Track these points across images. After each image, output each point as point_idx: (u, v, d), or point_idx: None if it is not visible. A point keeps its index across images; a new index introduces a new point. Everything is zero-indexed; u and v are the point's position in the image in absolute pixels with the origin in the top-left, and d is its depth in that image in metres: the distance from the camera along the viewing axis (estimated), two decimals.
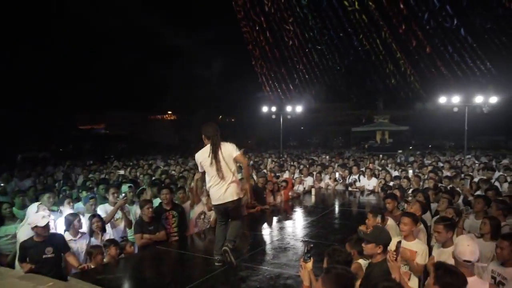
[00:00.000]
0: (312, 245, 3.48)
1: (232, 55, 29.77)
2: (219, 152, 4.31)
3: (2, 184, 8.67)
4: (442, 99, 19.37)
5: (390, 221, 4.88)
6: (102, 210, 5.63)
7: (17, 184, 9.66)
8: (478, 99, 18.59)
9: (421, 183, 8.66)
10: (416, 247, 4.07)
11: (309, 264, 3.17)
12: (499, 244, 3.68)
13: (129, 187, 6.73)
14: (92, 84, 32.20)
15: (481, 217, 5.16)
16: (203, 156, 4.41)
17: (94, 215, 5.22)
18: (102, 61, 32.26)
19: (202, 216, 6.38)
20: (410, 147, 26.48)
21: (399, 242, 4.08)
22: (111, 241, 4.96)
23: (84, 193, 6.81)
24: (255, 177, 9.30)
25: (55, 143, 30.34)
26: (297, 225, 6.82)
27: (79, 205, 6.31)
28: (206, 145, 4.43)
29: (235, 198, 4.39)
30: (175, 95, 36.75)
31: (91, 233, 5.13)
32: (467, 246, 3.28)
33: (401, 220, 4.25)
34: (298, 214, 7.77)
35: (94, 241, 5.09)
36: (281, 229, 6.41)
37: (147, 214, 5.51)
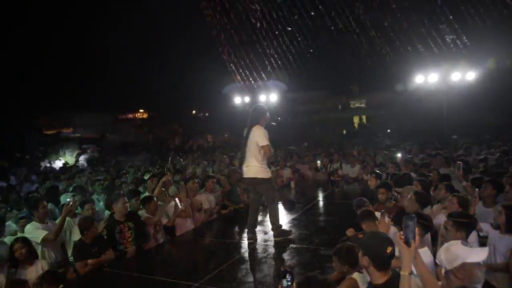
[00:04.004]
0: (291, 265, 2.57)
1: (197, 43, 28.08)
2: (251, 134, 4.76)
3: None
4: (419, 78, 18.70)
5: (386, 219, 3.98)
6: (30, 231, 4.52)
7: None
8: (455, 76, 18.01)
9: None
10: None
11: None
12: None
13: (73, 195, 5.62)
14: (54, 85, 30.24)
15: (492, 204, 4.39)
16: (244, 131, 4.92)
17: (17, 240, 4.10)
18: (63, 60, 30.35)
19: (157, 227, 5.39)
20: (388, 130, 25.89)
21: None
22: (50, 277, 3.82)
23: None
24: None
25: (18, 151, 28.43)
26: None
27: (12, 225, 5.18)
28: None
29: (253, 176, 4.78)
30: (144, 92, 35.30)
31: (16, 262, 4.03)
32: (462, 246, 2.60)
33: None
34: None
35: (21, 272, 4.02)
36: (256, 233, 5.44)
37: (91, 236, 4.47)
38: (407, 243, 2.20)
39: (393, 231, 3.76)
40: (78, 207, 5.51)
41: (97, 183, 8.02)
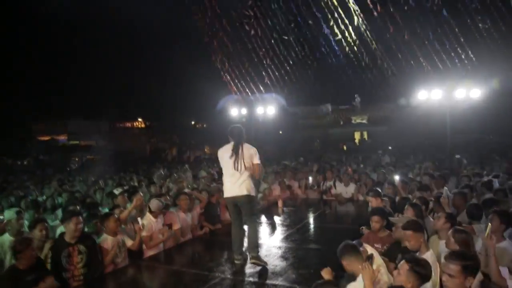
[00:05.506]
0: None
1: (195, 54, 27.54)
2: (241, 150, 4.50)
3: None
4: (422, 94, 17.95)
5: (377, 259, 3.23)
6: None
7: None
8: (460, 93, 17.24)
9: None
10: None
11: None
12: None
13: (17, 212, 4.86)
14: (50, 90, 29.77)
15: (501, 240, 3.65)
16: (225, 149, 4.62)
17: None
18: (61, 66, 29.95)
19: (118, 250, 4.65)
20: (390, 147, 25.11)
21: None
22: None
23: None
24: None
25: (10, 157, 27.86)
26: None
27: None
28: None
29: (246, 193, 4.49)
30: (142, 100, 34.80)
31: None
32: None
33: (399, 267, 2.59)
34: None
35: None
36: (226, 262, 4.67)
37: (27, 261, 3.74)
38: None
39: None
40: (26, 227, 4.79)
41: (63, 195, 7.26)
